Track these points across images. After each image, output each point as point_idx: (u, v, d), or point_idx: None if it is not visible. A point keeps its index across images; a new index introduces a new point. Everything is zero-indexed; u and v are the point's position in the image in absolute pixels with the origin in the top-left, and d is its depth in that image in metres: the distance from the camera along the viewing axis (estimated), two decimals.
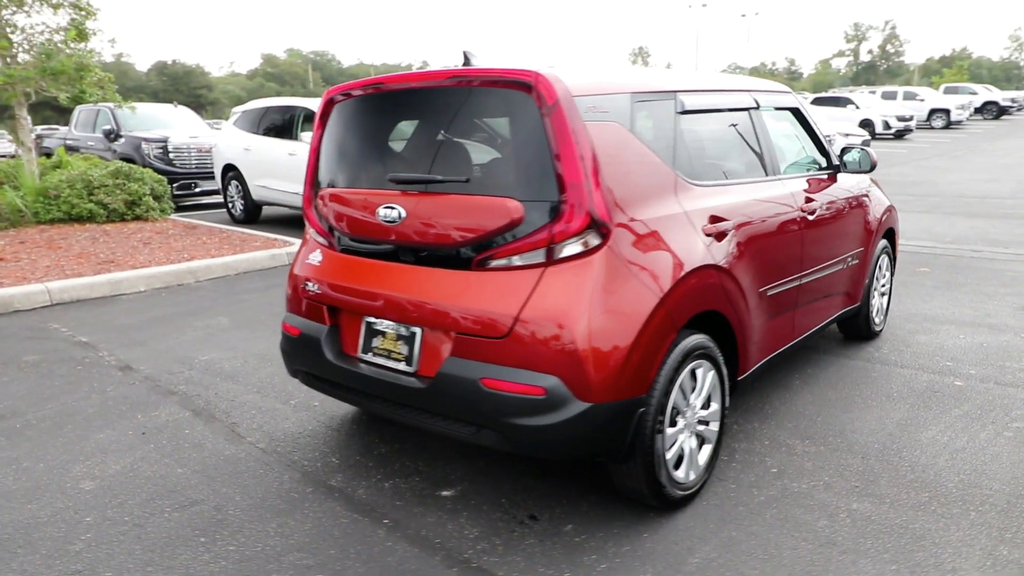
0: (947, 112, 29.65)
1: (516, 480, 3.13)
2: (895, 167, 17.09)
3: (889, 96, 30.47)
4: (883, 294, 4.99)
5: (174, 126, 13.75)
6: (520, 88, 2.54)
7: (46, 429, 3.76)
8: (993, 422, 3.58)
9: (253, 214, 10.92)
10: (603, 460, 2.61)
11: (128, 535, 2.76)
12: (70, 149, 13.84)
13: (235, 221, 10.81)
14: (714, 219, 2.95)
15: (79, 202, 9.81)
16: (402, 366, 2.80)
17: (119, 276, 6.87)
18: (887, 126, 25.26)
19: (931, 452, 3.29)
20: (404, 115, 3.02)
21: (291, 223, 10.64)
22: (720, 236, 2.94)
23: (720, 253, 2.91)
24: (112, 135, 13.21)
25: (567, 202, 2.44)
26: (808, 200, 3.76)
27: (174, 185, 11.94)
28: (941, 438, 3.43)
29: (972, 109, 32.84)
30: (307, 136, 9.39)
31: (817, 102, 26.46)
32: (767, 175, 3.54)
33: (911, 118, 26.18)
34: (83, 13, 10.66)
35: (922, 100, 30.24)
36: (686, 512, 2.84)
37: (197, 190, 12.71)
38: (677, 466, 2.80)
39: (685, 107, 3.01)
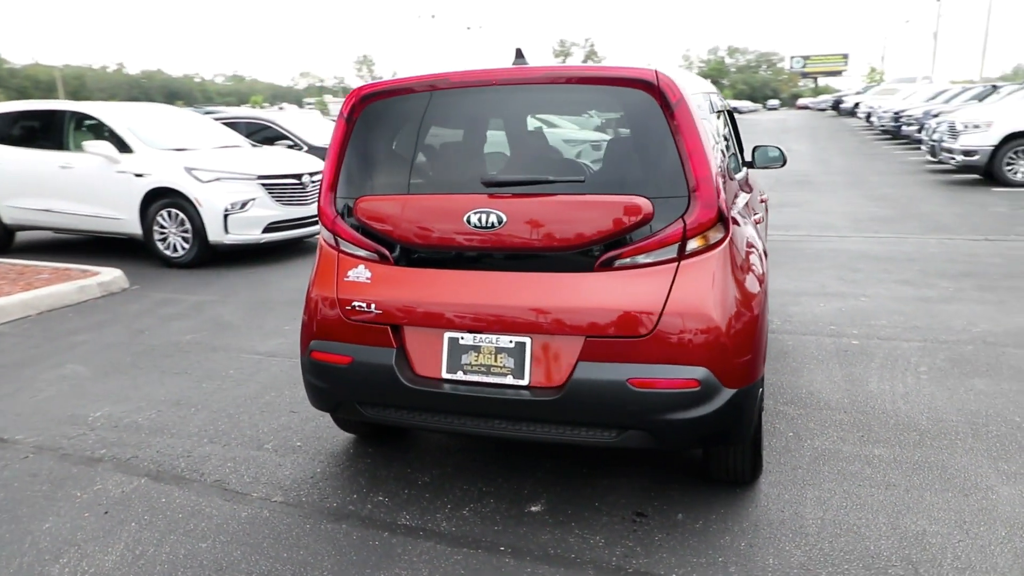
0: None
1: (585, 483, 3.10)
2: None
3: None
4: None
5: None
6: (639, 86, 2.55)
7: None
8: (905, 369, 4.33)
9: (3, 241, 9.06)
10: (729, 444, 2.71)
11: None
12: None
13: None
14: (748, 207, 3.20)
15: None
16: (509, 380, 2.64)
17: None
18: None
19: (887, 399, 3.90)
20: (488, 114, 2.83)
21: (57, 249, 9.02)
22: (757, 222, 3.21)
23: (760, 238, 3.17)
24: None
25: (699, 197, 2.51)
26: (755, 191, 4.22)
27: None
28: (883, 387, 4.07)
29: None
30: (97, 146, 8.01)
31: None
32: (741, 169, 3.90)
33: None
34: None
35: None
36: (762, 483, 3.05)
37: None
38: None
39: (715, 107, 3.23)
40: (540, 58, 2.80)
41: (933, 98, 23.64)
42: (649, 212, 2.51)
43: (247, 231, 7.96)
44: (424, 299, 2.73)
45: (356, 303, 2.83)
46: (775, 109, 74.15)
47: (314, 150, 10.37)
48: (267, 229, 8.08)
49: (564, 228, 2.57)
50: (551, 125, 7.29)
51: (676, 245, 2.52)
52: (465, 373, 2.69)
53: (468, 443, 3.51)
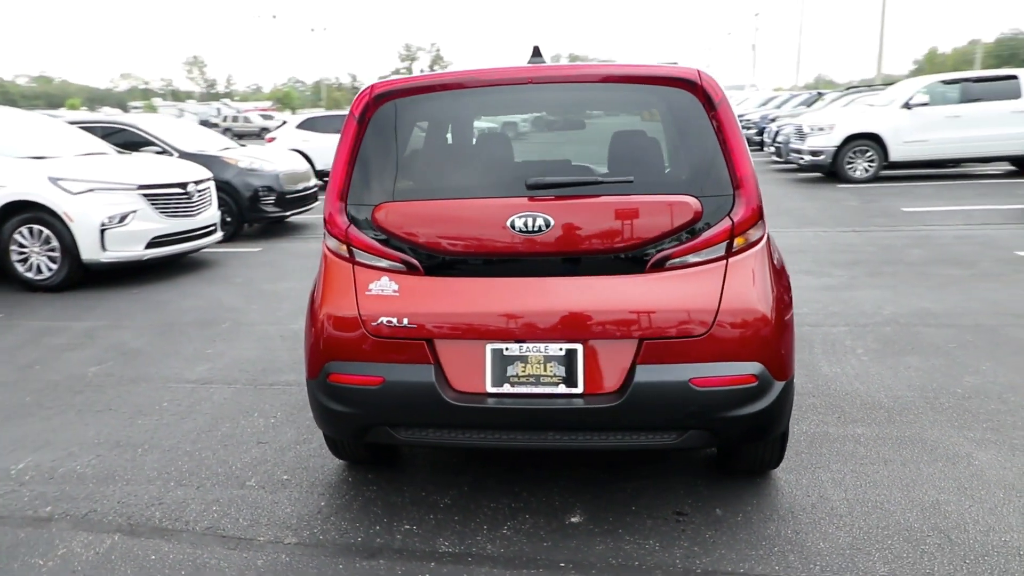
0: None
1: (612, 488, 3.06)
2: None
3: None
4: None
5: None
6: (682, 85, 2.55)
7: None
8: (845, 352, 4.66)
9: None
10: (775, 435, 2.76)
11: None
12: None
13: None
14: None
15: None
16: (560, 389, 2.54)
17: None
18: None
19: (844, 381, 4.18)
20: (523, 114, 2.69)
21: None
22: None
23: None
24: None
25: (743, 195, 2.55)
26: None
27: None
28: (835, 370, 4.36)
29: None
30: None
31: None
32: None
33: None
34: None
35: None
36: (781, 469, 3.15)
37: None
38: None
39: None
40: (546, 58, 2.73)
41: (765, 104, 25.85)
42: (699, 211, 2.51)
43: (128, 247, 7.20)
44: (463, 310, 2.58)
45: (384, 319, 2.61)
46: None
47: (187, 157, 9.56)
48: (151, 244, 7.35)
49: (615, 230, 2.52)
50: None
51: (724, 243, 2.54)
52: (512, 385, 2.57)
53: (473, 458, 3.36)
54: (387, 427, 2.66)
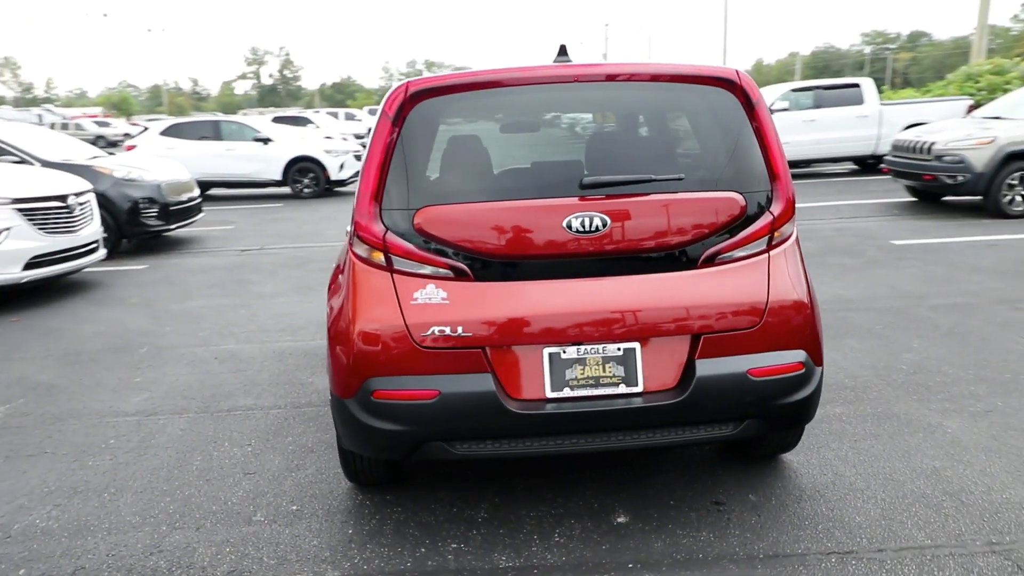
0: None
1: (641, 485, 3.08)
2: None
3: (332, 115, 33.37)
4: None
5: None
6: (722, 84, 2.61)
7: None
8: None
9: None
10: (810, 420, 2.84)
11: None
12: None
13: None
14: None
15: None
16: (621, 389, 2.53)
17: None
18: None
19: None
20: (566, 112, 2.62)
21: None
22: None
23: None
24: None
25: (780, 190, 2.65)
26: None
27: None
28: None
29: None
30: None
31: (277, 120, 27.39)
32: None
33: None
34: None
35: (360, 120, 34.05)
36: (796, 451, 3.30)
37: None
38: None
39: None
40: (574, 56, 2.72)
41: None
42: (744, 206, 2.59)
43: (3, 270, 6.37)
44: (519, 315, 2.49)
45: (436, 328, 2.47)
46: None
47: (52, 167, 8.60)
48: (29, 265, 6.55)
49: (668, 227, 2.54)
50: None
51: (766, 237, 2.63)
52: (572, 389, 2.52)
53: (490, 467, 3.25)
54: (442, 442, 2.52)
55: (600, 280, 2.54)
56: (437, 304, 2.50)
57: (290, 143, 14.92)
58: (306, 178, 14.65)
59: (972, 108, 13.58)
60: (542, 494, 3.04)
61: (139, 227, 9.08)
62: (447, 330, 2.47)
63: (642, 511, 2.88)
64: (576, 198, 2.52)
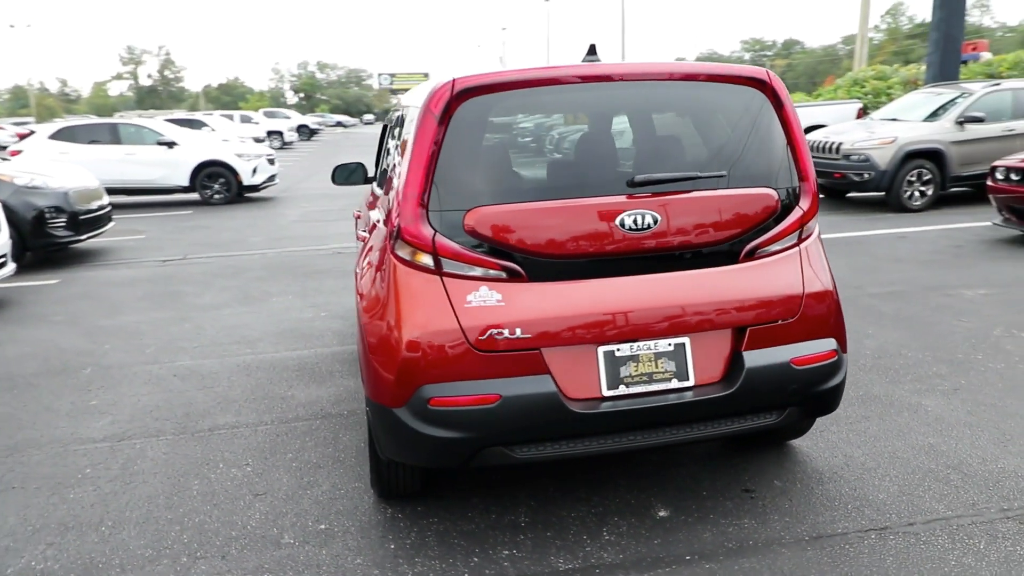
0: (280, 134, 33.05)
1: (668, 478, 3.13)
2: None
3: (227, 118, 31.94)
4: None
5: None
6: (754, 84, 2.68)
7: None
8: None
9: None
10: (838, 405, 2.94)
11: None
12: None
13: None
14: None
15: None
16: (673, 384, 2.56)
17: None
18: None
19: None
20: (611, 111, 2.61)
21: None
22: None
23: None
24: None
25: (807, 186, 2.76)
26: None
27: None
28: None
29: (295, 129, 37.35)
30: None
31: (170, 121, 26.02)
32: None
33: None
34: None
35: (257, 123, 32.77)
36: (808, 437, 3.43)
37: None
38: None
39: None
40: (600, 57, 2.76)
41: None
42: (778, 202, 2.68)
43: None
44: (574, 314, 2.48)
45: (493, 331, 2.42)
46: (371, 123, 77.43)
47: None
48: None
49: (713, 223, 2.59)
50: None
51: (797, 232, 2.74)
52: (627, 386, 2.53)
53: (512, 471, 3.21)
54: (503, 447, 2.46)
55: (649, 277, 2.57)
56: (493, 306, 2.45)
57: (198, 147, 14.17)
58: (216, 184, 13.95)
59: (862, 112, 14.61)
60: (575, 494, 3.03)
61: (46, 239, 8.38)
62: (505, 332, 2.42)
63: (679, 504, 2.93)
64: (624, 196, 2.54)
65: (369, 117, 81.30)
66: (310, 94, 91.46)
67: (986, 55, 19.95)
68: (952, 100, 10.46)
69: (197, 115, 31.94)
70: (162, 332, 5.72)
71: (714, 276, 2.62)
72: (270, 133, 32.83)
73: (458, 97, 2.48)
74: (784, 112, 2.73)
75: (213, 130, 27.11)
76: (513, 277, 2.48)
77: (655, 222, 2.52)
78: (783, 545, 2.63)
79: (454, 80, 2.50)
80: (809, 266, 2.74)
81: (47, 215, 8.32)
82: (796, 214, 2.74)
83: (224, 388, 4.44)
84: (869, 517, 2.78)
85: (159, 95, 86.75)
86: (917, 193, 10.02)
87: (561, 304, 2.48)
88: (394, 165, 3.38)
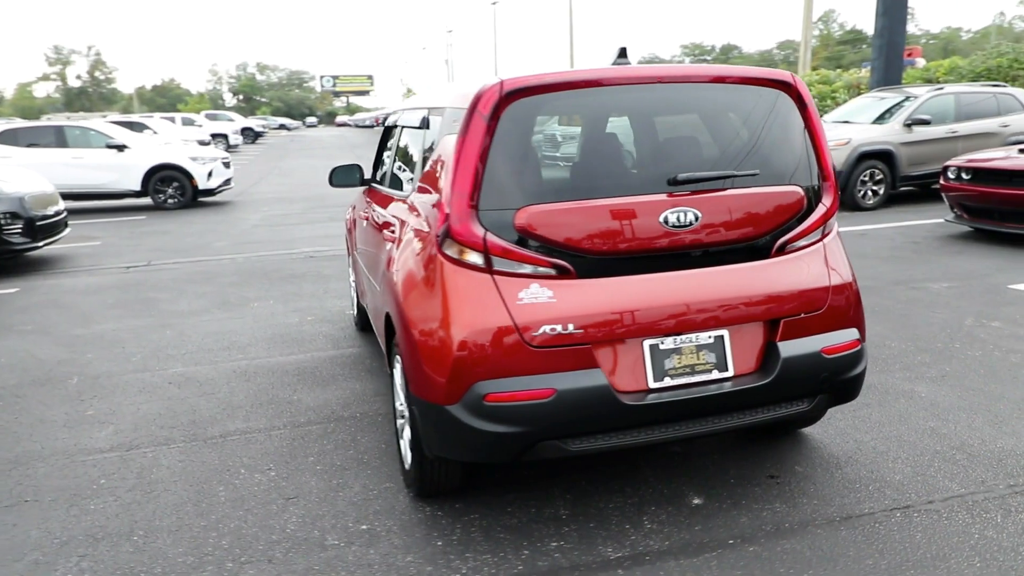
0: (225, 137, 32.27)
1: (693, 467, 3.23)
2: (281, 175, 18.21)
3: (168, 120, 31.04)
4: None
5: None
6: (780, 87, 2.81)
7: None
8: None
9: None
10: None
11: None
12: None
13: None
14: None
15: None
16: (714, 375, 2.66)
17: None
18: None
19: None
20: (649, 112, 2.69)
21: None
22: None
23: None
24: None
25: (829, 184, 2.90)
26: None
27: None
28: None
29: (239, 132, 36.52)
30: None
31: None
32: None
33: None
34: None
35: (200, 126, 31.93)
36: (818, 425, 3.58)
37: None
38: None
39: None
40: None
41: None
42: (804, 199, 2.81)
43: None
44: (621, 309, 2.55)
45: (547, 327, 2.47)
46: (314, 126, 76.26)
47: None
48: None
49: (749, 220, 2.70)
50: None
51: (822, 227, 2.88)
52: (672, 378, 2.61)
53: (541, 466, 3.26)
54: (557, 440, 2.52)
55: (690, 272, 2.66)
56: (544, 303, 2.50)
57: (150, 150, 13.80)
58: (170, 188, 13.59)
59: None
60: (608, 485, 3.11)
61: (1, 246, 8.03)
62: (558, 328, 2.48)
63: (710, 491, 3.03)
64: (665, 194, 2.62)
65: (312, 120, 80.00)
66: (250, 96, 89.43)
67: (921, 61, 20.98)
68: (899, 104, 10.97)
69: (134, 117, 30.96)
70: (144, 340, 5.57)
71: (749, 270, 2.73)
72: (214, 136, 32.02)
73: (507, 98, 2.53)
74: (807, 113, 2.86)
75: (155, 133, 26.34)
76: (562, 274, 2.54)
77: (696, 219, 2.61)
78: (817, 526, 2.76)
79: (503, 81, 2.55)
80: (833, 260, 2.88)
81: (3, 221, 7.99)
82: (820, 211, 2.87)
83: (226, 394, 4.37)
84: (891, 497, 2.93)
85: (89, 97, 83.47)
86: (870, 192, 10.47)
87: (609, 300, 2.55)
88: (411, 165, 3.40)
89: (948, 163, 8.20)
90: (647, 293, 2.59)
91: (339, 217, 12.00)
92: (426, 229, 2.75)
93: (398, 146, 3.89)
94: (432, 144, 3.02)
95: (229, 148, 32.53)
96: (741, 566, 2.53)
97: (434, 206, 2.69)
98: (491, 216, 2.53)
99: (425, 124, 3.23)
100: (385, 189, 3.94)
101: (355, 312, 5.64)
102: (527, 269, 2.53)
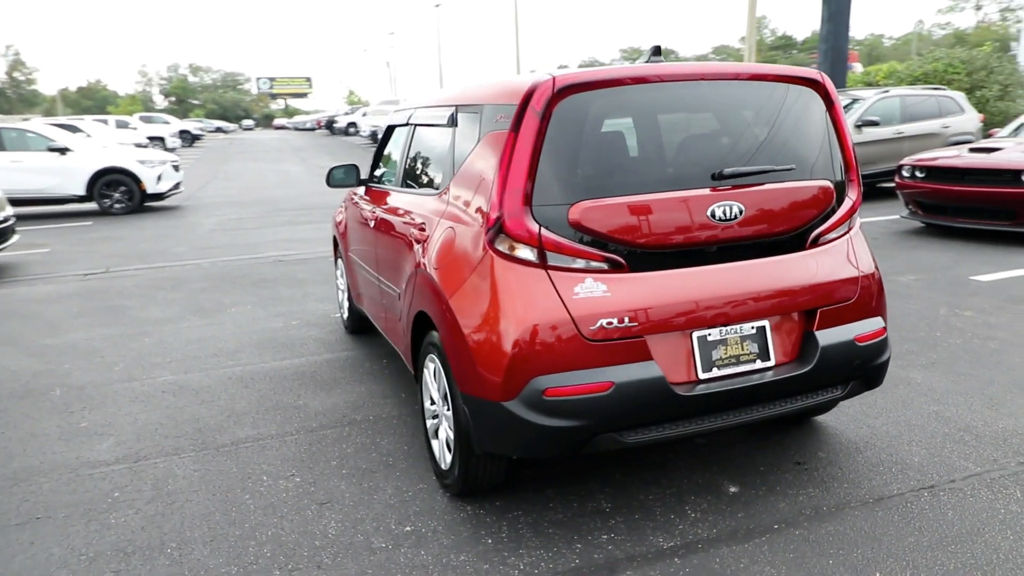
0: (163, 140, 31.26)
1: (723, 458, 3.30)
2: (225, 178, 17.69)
3: (101, 122, 29.85)
4: None
5: None
6: (810, 84, 2.90)
7: None
8: None
9: None
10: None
11: None
12: None
13: None
14: None
15: None
16: (757, 364, 2.73)
17: None
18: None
19: None
20: (693, 108, 2.73)
21: None
22: None
23: None
24: None
25: (854, 180, 3.01)
26: None
27: None
28: None
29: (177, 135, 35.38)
30: None
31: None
32: None
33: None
34: None
35: (135, 128, 30.81)
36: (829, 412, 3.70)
37: None
38: None
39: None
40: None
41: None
42: (834, 193, 2.91)
43: None
44: (674, 301, 2.59)
45: (603, 321, 2.49)
46: (251, 129, 74.44)
47: None
48: None
49: (787, 213, 2.78)
50: None
51: (849, 221, 2.98)
52: (719, 368, 2.67)
53: (570, 462, 3.28)
54: (614, 433, 2.54)
55: (734, 264, 2.72)
56: (599, 297, 2.52)
57: (95, 153, 13.23)
58: (117, 192, 13.06)
59: None
60: (642, 477, 3.15)
61: None
62: (614, 321, 2.50)
63: (744, 479, 3.10)
64: (709, 189, 2.68)
65: (249, 123, 78.01)
66: (182, 98, 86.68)
67: (858, 66, 21.86)
68: (847, 106, 11.40)
69: (62, 119, 29.70)
70: (123, 348, 5.35)
71: (788, 262, 2.81)
72: (151, 139, 30.95)
73: (559, 94, 2.54)
74: (835, 110, 2.97)
75: (89, 135, 25.29)
76: (615, 268, 2.57)
77: (740, 212, 2.68)
78: (853, 508, 2.85)
79: (554, 78, 2.56)
80: (860, 251, 2.99)
81: None
82: (847, 204, 2.98)
83: (226, 401, 4.24)
84: (914, 478, 3.06)
85: (8, 98, 79.45)
86: None
87: (661, 292, 2.59)
88: (438, 163, 3.37)
89: (903, 162, 8.58)
90: (696, 285, 2.64)
91: (298, 221, 11.78)
92: (468, 226, 2.74)
93: (412, 145, 3.85)
94: (466, 141, 3.00)
95: (167, 152, 31.48)
96: (792, 549, 2.60)
97: (476, 204, 2.67)
98: (545, 212, 2.53)
99: (452, 122, 3.21)
100: (398, 189, 3.89)
101: (345, 316, 5.54)
102: (580, 264, 2.54)
